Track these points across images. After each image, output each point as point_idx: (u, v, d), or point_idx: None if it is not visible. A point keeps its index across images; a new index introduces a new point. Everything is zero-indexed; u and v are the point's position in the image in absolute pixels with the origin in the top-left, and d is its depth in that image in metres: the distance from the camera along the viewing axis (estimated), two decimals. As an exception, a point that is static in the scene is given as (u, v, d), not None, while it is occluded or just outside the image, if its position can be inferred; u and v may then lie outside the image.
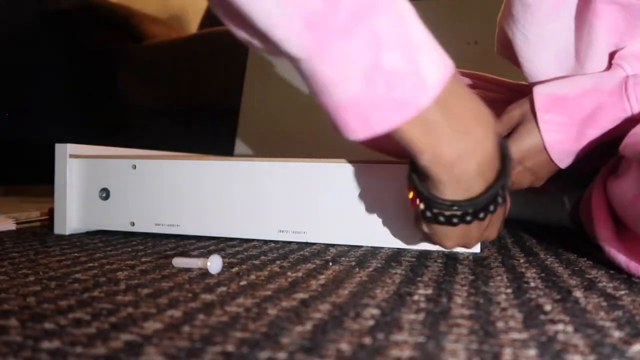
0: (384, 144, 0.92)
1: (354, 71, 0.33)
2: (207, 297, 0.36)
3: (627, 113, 0.53)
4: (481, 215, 0.41)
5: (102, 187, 0.66)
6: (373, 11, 0.32)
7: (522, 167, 0.57)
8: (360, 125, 0.35)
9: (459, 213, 0.41)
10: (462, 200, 0.40)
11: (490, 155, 0.39)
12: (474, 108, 0.38)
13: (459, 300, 0.36)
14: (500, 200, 0.41)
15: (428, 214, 0.42)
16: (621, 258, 0.45)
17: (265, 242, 0.62)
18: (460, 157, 0.37)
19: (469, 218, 0.41)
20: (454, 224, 0.41)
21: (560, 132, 0.55)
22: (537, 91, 0.56)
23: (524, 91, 0.78)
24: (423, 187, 0.41)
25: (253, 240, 0.63)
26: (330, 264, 0.49)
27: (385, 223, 0.57)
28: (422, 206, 0.42)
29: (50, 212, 0.81)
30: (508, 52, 0.67)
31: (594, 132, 0.55)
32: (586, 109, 0.54)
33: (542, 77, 0.62)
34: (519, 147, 0.56)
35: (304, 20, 0.31)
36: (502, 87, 0.82)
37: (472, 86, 0.83)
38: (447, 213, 0.41)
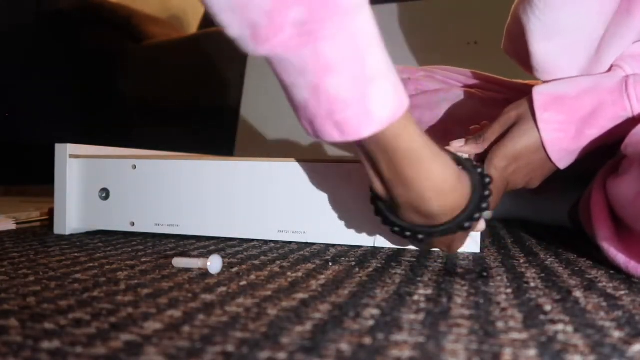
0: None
1: (300, 83, 0.34)
2: (207, 297, 0.36)
3: (628, 112, 0.53)
4: (446, 231, 0.41)
5: (102, 187, 0.66)
6: (318, 36, 0.31)
7: (516, 165, 0.57)
8: (309, 129, 0.37)
9: (420, 237, 0.42)
10: (422, 226, 0.41)
11: (446, 191, 0.39)
12: (424, 146, 0.37)
13: (459, 300, 0.36)
14: (467, 225, 0.41)
15: (394, 228, 0.43)
16: (621, 258, 0.45)
17: (265, 242, 0.62)
18: (418, 181, 0.38)
19: (435, 236, 0.42)
20: (420, 240, 0.43)
21: (559, 130, 0.55)
22: (537, 91, 0.56)
23: (524, 91, 0.78)
24: (382, 205, 0.43)
25: (253, 240, 0.63)
26: (330, 264, 0.49)
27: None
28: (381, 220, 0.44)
29: (50, 212, 0.81)
30: (516, 47, 0.66)
31: (594, 131, 0.55)
32: (586, 108, 0.54)
33: (551, 69, 0.60)
34: (515, 145, 0.56)
35: (250, 30, 0.31)
36: (502, 86, 0.82)
37: (472, 85, 0.83)
38: (408, 234, 0.42)
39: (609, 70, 0.57)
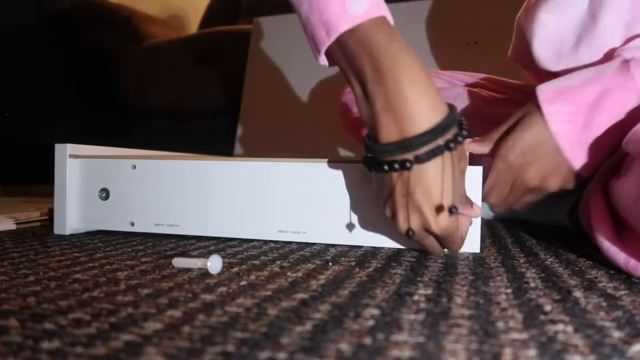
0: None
1: None
2: (207, 297, 0.36)
3: (637, 92, 0.53)
4: (423, 157, 0.41)
5: (102, 187, 0.66)
6: None
7: (523, 159, 0.56)
8: (313, 47, 0.45)
9: (398, 158, 0.42)
10: (395, 141, 0.42)
11: (424, 89, 0.41)
12: (403, 47, 0.42)
13: (459, 300, 0.36)
14: (451, 144, 0.41)
15: (372, 165, 0.45)
16: (621, 258, 0.45)
17: (265, 242, 0.62)
18: (395, 69, 0.40)
19: (408, 164, 0.42)
20: (395, 170, 0.43)
21: (567, 122, 0.54)
22: (540, 89, 0.56)
23: (526, 91, 0.78)
24: (368, 140, 0.45)
25: (253, 240, 0.63)
26: (330, 264, 0.49)
27: (385, 223, 0.57)
28: (368, 161, 0.46)
29: (50, 212, 0.81)
30: (521, 53, 0.68)
31: (603, 118, 0.53)
32: (590, 95, 0.54)
33: (553, 68, 0.63)
34: (521, 137, 0.56)
35: None
36: (505, 87, 0.82)
37: (475, 85, 0.84)
38: (389, 158, 0.43)
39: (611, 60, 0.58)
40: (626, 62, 0.54)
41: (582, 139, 0.54)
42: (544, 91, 0.56)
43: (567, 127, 0.54)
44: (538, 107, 0.55)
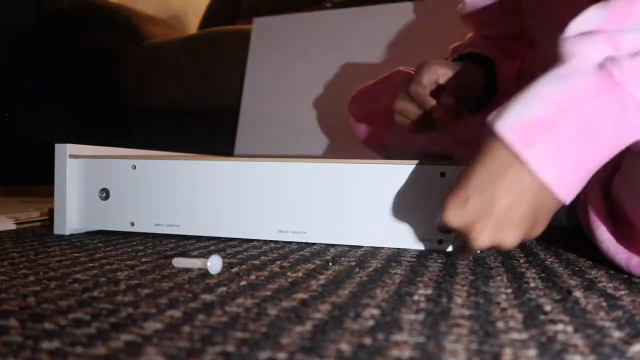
0: (379, 139, 0.93)
1: None
2: (207, 297, 0.36)
3: (632, 100, 0.38)
4: None
5: (102, 187, 0.66)
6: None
7: (499, 232, 0.42)
8: None
9: None
10: None
11: None
12: None
13: (459, 300, 0.36)
14: None
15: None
16: (621, 257, 0.45)
17: (265, 242, 0.62)
18: None
19: None
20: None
21: (555, 164, 0.40)
22: (500, 125, 0.41)
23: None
24: None
25: (253, 240, 0.63)
26: (330, 264, 0.49)
27: (385, 223, 0.57)
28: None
29: (50, 212, 0.81)
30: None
31: (596, 145, 0.40)
32: (573, 126, 0.40)
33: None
34: (496, 205, 0.41)
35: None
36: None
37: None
38: None
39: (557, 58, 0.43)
40: (602, 68, 0.39)
41: (577, 178, 0.41)
42: (510, 127, 0.41)
43: (558, 171, 0.40)
44: (513, 154, 0.41)
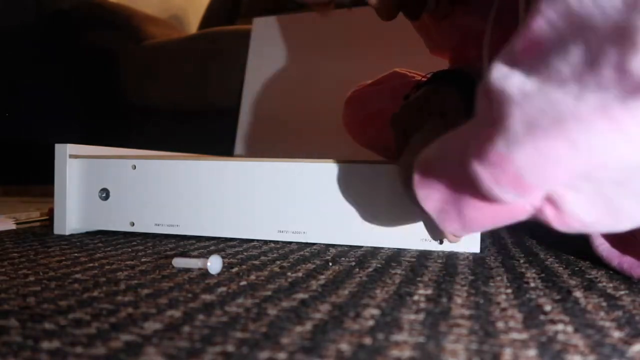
0: (376, 141, 0.92)
1: None
2: (207, 297, 0.36)
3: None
4: None
5: (102, 187, 0.66)
6: None
7: None
8: None
9: None
10: None
11: None
12: None
13: (459, 300, 0.36)
14: None
15: None
16: (616, 261, 0.46)
17: (265, 242, 0.62)
18: None
19: None
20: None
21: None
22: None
23: None
24: None
25: (253, 240, 0.63)
26: (330, 264, 0.49)
27: (385, 223, 0.57)
28: None
29: (50, 212, 0.81)
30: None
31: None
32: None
33: None
34: None
35: None
36: None
37: None
38: None
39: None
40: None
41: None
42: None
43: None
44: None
